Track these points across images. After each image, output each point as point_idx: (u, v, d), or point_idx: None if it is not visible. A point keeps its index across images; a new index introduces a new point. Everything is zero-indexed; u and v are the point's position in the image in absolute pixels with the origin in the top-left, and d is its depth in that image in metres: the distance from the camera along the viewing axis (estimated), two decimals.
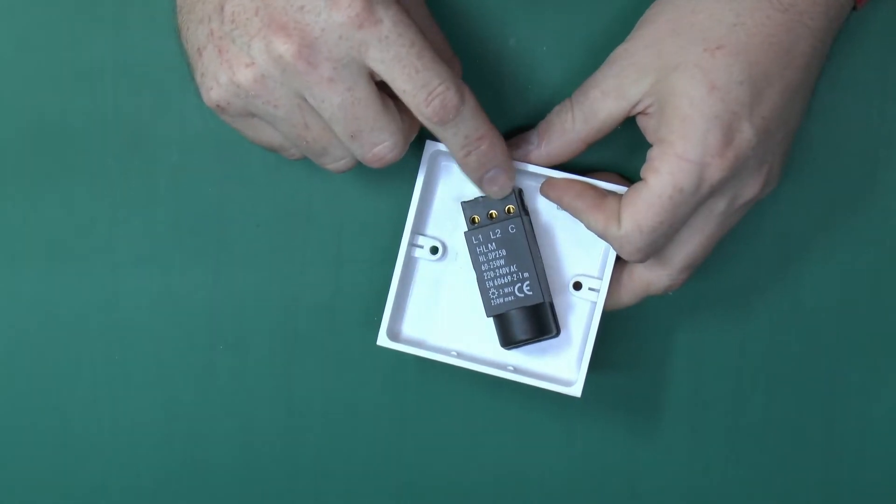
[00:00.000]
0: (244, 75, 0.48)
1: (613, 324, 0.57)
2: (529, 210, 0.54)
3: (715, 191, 0.50)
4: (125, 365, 0.59)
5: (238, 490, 0.59)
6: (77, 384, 0.59)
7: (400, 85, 0.48)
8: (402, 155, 0.50)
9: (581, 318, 0.55)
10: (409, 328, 0.55)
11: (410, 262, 0.55)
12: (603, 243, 0.54)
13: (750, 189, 0.50)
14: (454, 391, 0.58)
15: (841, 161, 0.57)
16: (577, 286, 0.55)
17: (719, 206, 0.51)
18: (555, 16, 0.56)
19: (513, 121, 0.56)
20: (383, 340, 0.54)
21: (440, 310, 0.55)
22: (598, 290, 0.54)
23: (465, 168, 0.51)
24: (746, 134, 0.49)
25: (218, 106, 0.49)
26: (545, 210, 0.55)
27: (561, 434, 0.59)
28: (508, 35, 0.56)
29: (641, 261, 0.51)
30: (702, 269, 0.57)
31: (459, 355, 0.54)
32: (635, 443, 0.59)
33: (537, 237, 0.54)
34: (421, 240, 0.55)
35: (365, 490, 0.59)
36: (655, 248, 0.51)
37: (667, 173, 0.49)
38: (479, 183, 0.52)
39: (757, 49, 0.49)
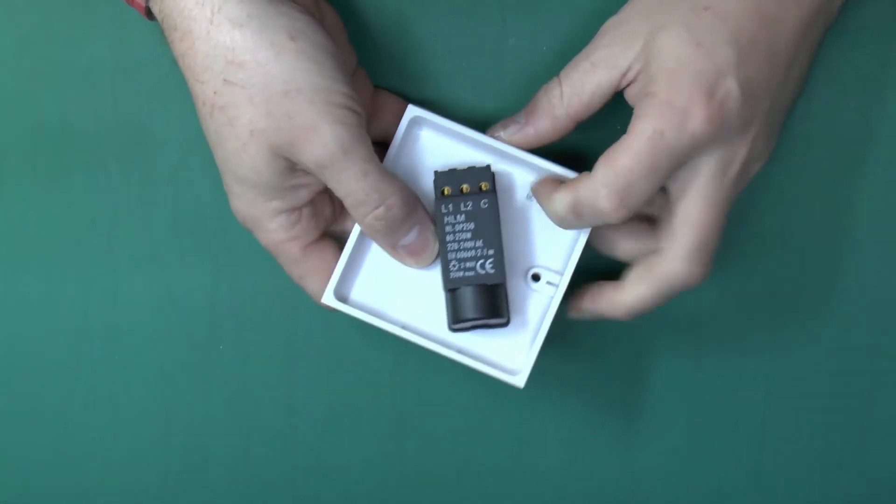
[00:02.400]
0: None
1: (613, 324, 0.57)
2: (498, 192, 0.53)
3: (699, 145, 0.49)
4: (125, 365, 0.59)
5: (238, 490, 0.59)
6: (77, 384, 0.59)
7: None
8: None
9: (536, 309, 0.54)
10: (358, 293, 0.54)
11: None
12: (569, 236, 0.53)
13: (739, 152, 0.50)
14: (454, 391, 0.58)
15: (841, 161, 0.57)
16: (536, 277, 0.54)
17: (709, 165, 0.49)
18: (555, 16, 0.56)
19: None
20: (329, 299, 0.53)
21: (394, 281, 0.54)
22: (556, 285, 0.53)
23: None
24: (731, 89, 0.48)
25: None
26: (515, 197, 0.54)
27: (560, 433, 0.59)
28: (508, 35, 0.56)
29: (618, 213, 0.49)
30: None
31: (405, 328, 0.53)
32: (635, 442, 0.59)
33: (504, 222, 0.53)
34: None
35: (365, 490, 0.59)
36: (631, 197, 0.49)
37: (648, 117, 0.48)
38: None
39: (744, 15, 0.49)
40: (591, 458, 0.59)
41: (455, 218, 0.52)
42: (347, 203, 0.50)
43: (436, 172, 0.53)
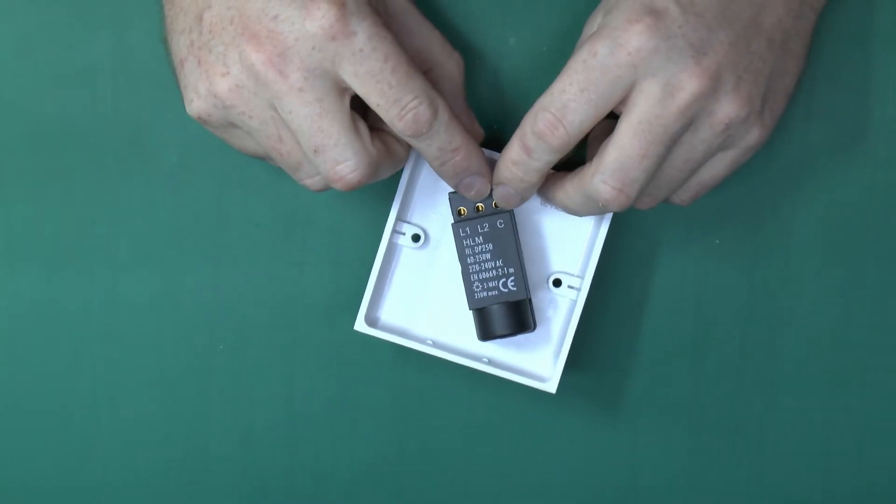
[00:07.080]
0: (220, 85, 0.48)
1: (613, 323, 0.57)
2: None
3: (636, 63, 0.47)
4: (125, 365, 0.59)
5: (238, 490, 0.59)
6: (77, 384, 0.59)
7: (373, 99, 0.48)
8: (367, 179, 0.49)
9: (560, 314, 0.55)
10: (387, 315, 0.55)
11: (392, 250, 0.55)
12: (584, 240, 0.54)
13: (687, 78, 0.47)
14: (456, 391, 0.58)
15: (841, 161, 0.57)
16: (557, 283, 0.55)
17: (651, 87, 0.48)
18: (555, 16, 0.56)
19: (512, 120, 0.56)
20: (360, 326, 0.54)
21: (419, 299, 0.55)
22: (577, 289, 0.54)
23: (441, 175, 0.51)
24: (670, 8, 0.47)
25: (199, 118, 0.49)
26: (528, 205, 0.54)
27: (560, 434, 0.59)
28: (508, 35, 0.56)
29: (557, 133, 0.48)
30: (702, 269, 0.57)
31: (435, 344, 0.54)
32: (635, 443, 0.59)
33: (520, 232, 0.54)
34: (403, 227, 0.55)
35: (365, 490, 0.59)
36: (569, 115, 0.48)
37: (585, 43, 0.48)
38: (456, 188, 0.52)
39: None
40: (591, 457, 0.59)
41: (473, 240, 0.53)
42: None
43: (450, 194, 0.54)
